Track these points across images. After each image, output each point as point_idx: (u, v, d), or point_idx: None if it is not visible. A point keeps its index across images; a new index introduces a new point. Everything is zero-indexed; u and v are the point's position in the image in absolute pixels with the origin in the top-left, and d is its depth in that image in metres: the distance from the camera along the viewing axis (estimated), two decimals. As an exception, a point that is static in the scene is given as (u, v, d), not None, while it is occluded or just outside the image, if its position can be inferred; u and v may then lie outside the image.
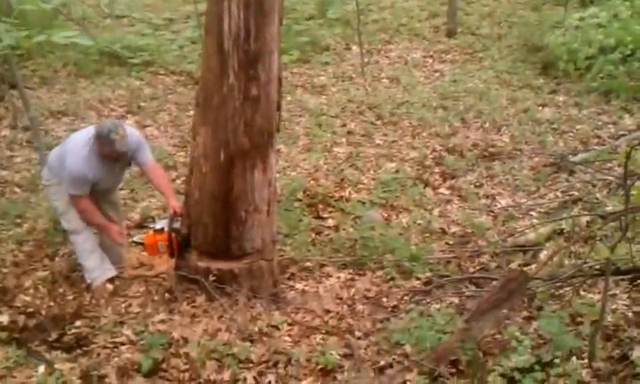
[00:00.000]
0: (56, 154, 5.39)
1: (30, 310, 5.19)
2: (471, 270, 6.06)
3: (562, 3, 13.64)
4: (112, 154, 5.08)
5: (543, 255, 5.95)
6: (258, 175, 5.05)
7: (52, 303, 5.30)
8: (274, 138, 5.16)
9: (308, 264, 6.03)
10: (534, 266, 5.68)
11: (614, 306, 5.05)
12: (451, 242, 6.60)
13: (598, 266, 5.18)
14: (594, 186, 7.44)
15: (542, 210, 7.13)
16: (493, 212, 7.22)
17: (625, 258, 5.17)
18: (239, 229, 5.12)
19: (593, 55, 10.76)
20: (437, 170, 8.29)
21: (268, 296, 5.27)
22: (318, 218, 6.99)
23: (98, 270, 5.51)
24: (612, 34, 10.83)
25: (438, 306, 5.24)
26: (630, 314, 4.99)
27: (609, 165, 7.86)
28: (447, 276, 5.83)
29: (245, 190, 5.04)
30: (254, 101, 4.82)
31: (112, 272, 5.58)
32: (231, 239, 5.15)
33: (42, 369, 4.36)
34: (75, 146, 5.15)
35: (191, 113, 9.41)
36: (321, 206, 7.16)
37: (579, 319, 4.90)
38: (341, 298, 5.50)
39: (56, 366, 4.38)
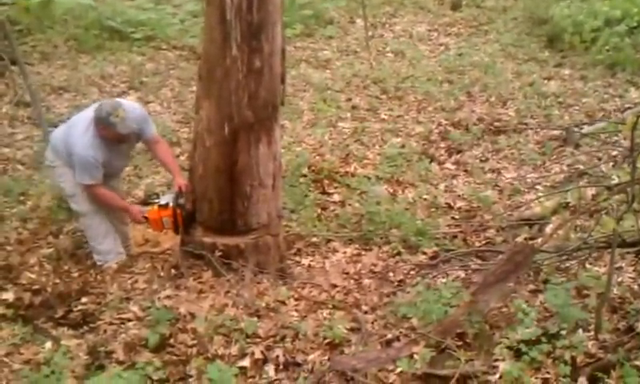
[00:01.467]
0: (59, 136, 5.27)
1: (36, 287, 5.19)
2: (477, 244, 6.06)
3: (568, -26, 13.60)
4: (116, 137, 5.01)
5: (549, 229, 5.94)
6: (262, 149, 5.03)
7: (57, 280, 5.30)
8: (279, 111, 5.14)
9: (314, 239, 6.03)
10: (539, 240, 5.67)
11: (620, 279, 5.06)
12: (457, 217, 6.61)
13: (603, 239, 5.18)
14: (599, 159, 7.44)
15: (548, 184, 7.13)
16: (498, 186, 7.23)
17: (631, 231, 5.17)
18: (244, 204, 5.12)
19: (598, 27, 10.76)
20: (442, 144, 8.30)
21: (274, 271, 5.27)
22: (324, 193, 6.99)
23: (111, 253, 5.49)
24: (618, 5, 10.81)
25: (444, 280, 5.25)
26: (635, 287, 4.99)
27: (614, 138, 7.85)
28: (453, 250, 5.84)
29: (249, 164, 5.02)
30: (257, 73, 4.79)
31: (124, 256, 5.57)
32: (236, 214, 5.15)
33: (48, 345, 4.37)
34: (79, 132, 5.03)
35: (194, 88, 9.40)
36: (326, 182, 7.16)
37: (585, 292, 4.90)
38: (347, 273, 5.51)
39: (62, 342, 4.38)
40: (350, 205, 6.72)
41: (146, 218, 5.38)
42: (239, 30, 4.67)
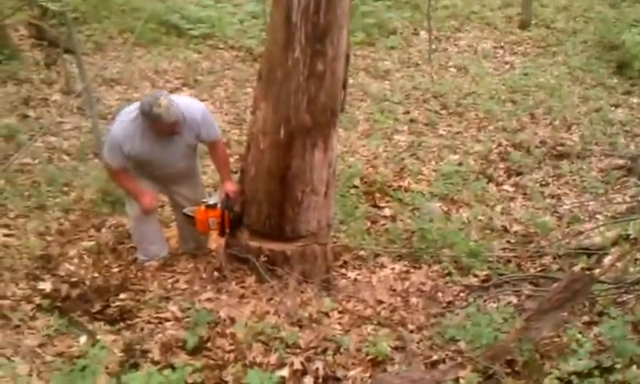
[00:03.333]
0: None
1: (74, 279, 5.24)
2: (532, 270, 5.96)
3: (644, 0, 13.41)
4: (165, 128, 4.93)
5: (608, 260, 5.82)
6: (318, 155, 5.00)
7: (96, 274, 5.35)
8: (338, 117, 5.11)
9: (362, 253, 6.00)
10: (597, 270, 5.56)
11: (679, 316, 4.94)
12: (512, 241, 6.51)
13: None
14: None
15: (609, 214, 6.98)
16: (558, 212, 7.11)
17: None
18: (294, 209, 5.10)
19: (675, 57, 10.52)
20: (501, 165, 8.20)
21: (319, 281, 5.23)
22: (375, 206, 6.96)
23: (156, 257, 5.52)
24: (694, 33, 10.57)
25: (495, 305, 5.17)
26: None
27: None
28: (506, 275, 5.74)
29: (303, 169, 5.01)
30: (319, 77, 4.77)
31: (165, 254, 5.59)
32: (285, 220, 5.13)
33: (83, 339, 4.39)
34: (122, 118, 5.03)
35: (248, 90, 9.52)
36: (378, 195, 7.13)
37: (642, 328, 4.80)
38: (394, 290, 5.46)
39: (98, 337, 4.40)
40: (401, 220, 6.68)
41: (192, 217, 5.39)
42: (304, 32, 4.66)
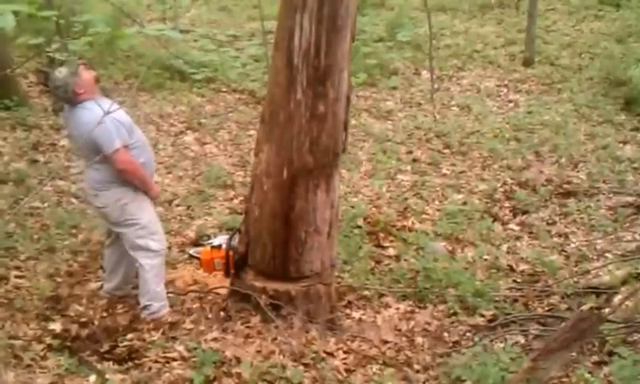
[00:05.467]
0: None
1: (83, 319, 5.42)
2: (539, 310, 6.09)
3: (649, 36, 13.66)
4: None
5: (617, 299, 5.95)
6: (320, 195, 5.18)
7: (105, 314, 5.53)
8: (339, 158, 5.31)
9: (366, 293, 6.14)
10: (607, 310, 5.68)
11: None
12: (519, 280, 6.64)
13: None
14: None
15: (619, 252, 7.12)
16: (565, 251, 7.24)
17: None
18: (298, 250, 5.26)
19: (681, 92, 10.70)
20: (507, 204, 8.36)
21: (324, 321, 5.38)
22: (379, 246, 7.11)
23: (165, 299, 5.57)
24: (703, 69, 10.77)
25: (502, 345, 5.31)
26: None
27: None
28: (513, 314, 5.88)
29: (306, 209, 5.18)
30: (320, 118, 4.98)
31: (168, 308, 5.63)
32: (290, 260, 5.29)
33: (92, 378, 4.56)
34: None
35: (252, 132, 9.75)
36: (382, 235, 7.29)
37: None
38: (399, 330, 5.60)
39: (107, 376, 4.57)
40: (405, 260, 6.82)
41: (198, 258, 5.57)
42: (305, 75, 4.87)
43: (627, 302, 5.89)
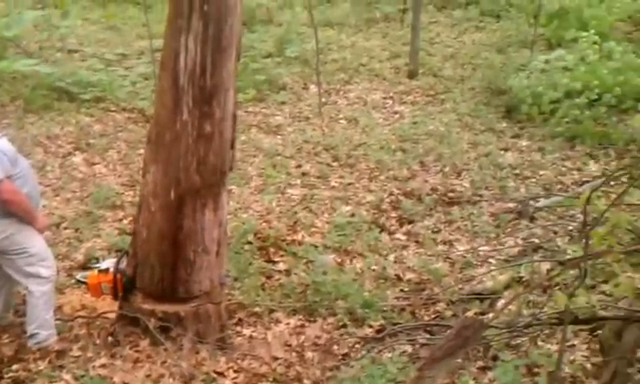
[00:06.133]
0: None
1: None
2: (426, 318, 6.24)
3: (528, 45, 14.11)
4: None
5: (500, 303, 6.14)
6: (208, 215, 5.20)
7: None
8: (227, 176, 5.33)
9: (257, 309, 6.17)
10: (490, 315, 5.86)
11: (572, 357, 5.26)
12: (406, 289, 6.78)
13: (556, 316, 5.38)
14: (555, 233, 7.68)
15: (501, 257, 7.35)
16: (450, 258, 7.43)
17: (584, 307, 5.39)
18: (187, 270, 5.25)
19: (558, 99, 11.01)
20: (393, 214, 8.50)
21: (214, 341, 5.38)
22: (269, 261, 7.14)
23: (53, 327, 5.42)
24: (578, 77, 11.12)
25: (390, 355, 5.40)
26: (588, 365, 5.19)
27: (571, 212, 8.06)
28: (401, 324, 5.99)
29: (194, 229, 5.19)
30: (207, 138, 5.00)
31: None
32: (178, 281, 5.27)
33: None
34: None
35: (141, 151, 9.52)
36: (272, 250, 7.32)
37: (536, 370, 5.10)
38: (290, 345, 5.65)
39: (-8, 409, 4.45)
40: (295, 274, 6.87)
41: (84, 283, 5.46)
42: (191, 95, 4.90)
43: (510, 307, 6.10)
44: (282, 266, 7.07)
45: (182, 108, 4.92)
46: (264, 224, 7.86)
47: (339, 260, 7.25)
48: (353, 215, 8.30)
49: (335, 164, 10.04)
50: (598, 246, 4.03)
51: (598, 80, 10.96)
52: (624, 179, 4.32)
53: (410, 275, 7.05)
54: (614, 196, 4.24)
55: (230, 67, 5.02)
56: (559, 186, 9.16)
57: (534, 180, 9.40)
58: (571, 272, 5.68)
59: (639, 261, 5.01)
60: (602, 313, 5.54)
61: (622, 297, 5.21)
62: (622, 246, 5.29)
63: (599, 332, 5.43)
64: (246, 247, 7.23)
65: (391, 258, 7.41)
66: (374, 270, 7.06)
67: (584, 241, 4.02)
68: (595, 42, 11.69)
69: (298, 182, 9.36)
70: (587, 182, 8.99)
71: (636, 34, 14.41)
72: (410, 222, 8.26)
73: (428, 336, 5.81)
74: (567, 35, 13.28)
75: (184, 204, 5.10)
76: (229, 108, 5.12)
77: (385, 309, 6.25)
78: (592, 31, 12.04)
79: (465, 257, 7.40)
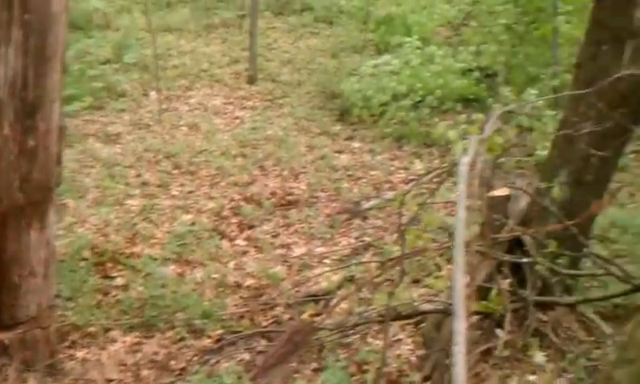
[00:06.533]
0: None
1: None
2: (264, 323, 6.13)
3: (359, 51, 14.33)
4: None
5: (332, 304, 6.13)
6: (34, 235, 4.85)
7: None
8: (54, 193, 5.00)
9: (91, 329, 5.84)
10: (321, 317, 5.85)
11: (398, 352, 5.31)
12: (245, 296, 6.65)
13: (382, 313, 5.41)
14: (385, 230, 7.78)
15: (336, 258, 7.36)
16: (288, 261, 7.35)
17: (408, 302, 5.46)
18: (12, 295, 4.88)
19: (386, 102, 11.27)
20: (234, 220, 8.34)
21: (43, 367, 5.04)
22: (106, 277, 6.79)
23: None
24: (404, 80, 11.40)
25: (228, 365, 5.26)
26: (413, 358, 5.26)
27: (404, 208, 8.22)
28: (239, 332, 5.86)
29: (19, 251, 4.83)
30: (31, 153, 4.65)
31: None
32: (3, 307, 4.89)
33: None
34: None
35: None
36: (109, 265, 6.97)
37: (366, 367, 5.10)
38: (125, 365, 5.38)
39: None
40: (133, 289, 6.57)
41: None
42: (12, 109, 4.54)
43: (343, 306, 6.11)
44: (119, 281, 6.74)
45: (2, 123, 4.55)
46: (101, 238, 7.48)
47: (179, 271, 7.02)
48: (193, 224, 8.07)
49: (176, 172, 9.75)
50: (414, 244, 4.06)
51: (421, 83, 11.30)
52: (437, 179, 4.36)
53: (249, 281, 6.91)
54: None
55: (56, 78, 4.70)
56: (388, 185, 9.30)
57: (365, 180, 9.51)
58: (397, 268, 5.73)
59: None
60: (426, 306, 5.65)
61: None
62: (437, 242, 5.43)
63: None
64: (82, 264, 6.83)
65: (231, 265, 7.24)
66: (214, 279, 6.87)
67: (401, 240, 4.02)
68: (418, 47, 12.02)
69: (138, 192, 8.99)
70: (413, 180, 9.17)
71: (455, 38, 14.93)
72: (250, 227, 8.13)
73: (266, 342, 5.70)
74: (393, 41, 13.54)
75: (7, 225, 4.73)
76: (54, 121, 4.79)
77: (224, 317, 6.09)
78: (415, 37, 12.40)
79: (302, 259, 7.35)
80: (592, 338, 5.21)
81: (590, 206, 4.99)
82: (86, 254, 7.03)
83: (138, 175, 9.54)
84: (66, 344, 5.59)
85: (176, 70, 14.54)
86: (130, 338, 5.76)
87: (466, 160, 2.62)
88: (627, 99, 5.04)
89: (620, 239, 6.89)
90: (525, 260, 5.30)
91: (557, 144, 5.64)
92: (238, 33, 17.07)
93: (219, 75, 14.41)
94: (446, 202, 7.33)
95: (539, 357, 5.02)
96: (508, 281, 5.35)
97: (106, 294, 6.50)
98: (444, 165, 3.29)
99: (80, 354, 5.50)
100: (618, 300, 5.06)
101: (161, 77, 12.43)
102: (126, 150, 10.47)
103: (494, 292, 4.74)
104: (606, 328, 5.13)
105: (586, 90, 4.77)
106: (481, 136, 3.03)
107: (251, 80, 13.95)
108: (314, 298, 6.40)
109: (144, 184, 9.27)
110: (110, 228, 7.78)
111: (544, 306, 5.35)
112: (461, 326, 1.85)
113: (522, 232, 5.32)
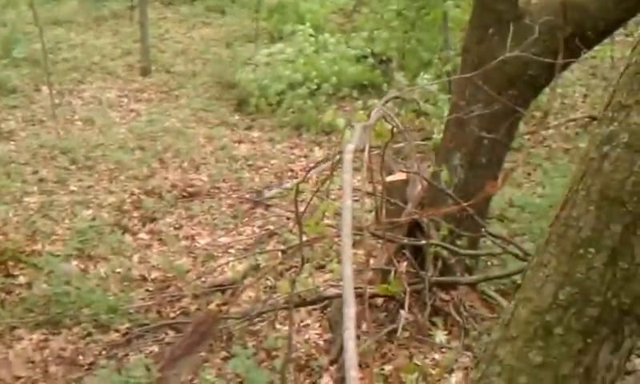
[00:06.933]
0: None
1: None
2: (172, 315, 6.17)
3: (253, 39, 14.37)
4: None
5: (237, 293, 6.24)
6: None
7: None
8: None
9: (-3, 329, 5.76)
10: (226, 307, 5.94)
11: (306, 336, 5.46)
12: (151, 289, 6.66)
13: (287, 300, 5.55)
14: (288, 218, 7.90)
15: (241, 247, 7.46)
16: (193, 253, 7.39)
17: (312, 288, 5.62)
18: None
19: (283, 91, 11.40)
20: (136, 214, 8.29)
21: (-50, 369, 4.97)
22: (8, 276, 6.65)
23: None
24: (299, 69, 11.56)
25: (137, 357, 5.28)
26: (321, 343, 5.42)
27: (302, 197, 8.35)
28: (147, 325, 5.88)
29: None
30: None
31: None
32: None
33: None
34: None
35: None
36: (11, 263, 6.81)
37: (274, 353, 5.24)
38: (33, 362, 5.33)
39: None
40: (37, 286, 6.47)
41: None
42: None
43: (250, 294, 6.22)
44: (22, 280, 6.62)
45: None
46: (0, 237, 7.31)
47: (82, 266, 6.95)
48: (94, 219, 7.98)
49: (73, 167, 9.57)
50: (313, 231, 4.16)
51: (317, 71, 11.47)
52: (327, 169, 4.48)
53: (155, 274, 6.93)
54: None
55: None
56: (289, 173, 9.46)
57: (266, 169, 9.63)
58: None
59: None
60: (330, 291, 5.82)
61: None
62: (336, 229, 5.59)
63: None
64: (-18, 265, 6.71)
65: (135, 258, 7.22)
66: (118, 273, 6.85)
67: (299, 229, 4.11)
68: (311, 35, 12.18)
69: (35, 189, 8.79)
70: (313, 167, 9.29)
71: (347, 25, 15.17)
72: (153, 221, 8.11)
73: (174, 333, 5.75)
74: (286, 29, 13.62)
75: None
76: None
77: (131, 311, 6.09)
78: (308, 24, 12.54)
79: (206, 250, 7.41)
80: (494, 315, 5.48)
81: (485, 186, 5.21)
82: (-14, 254, 6.88)
83: (35, 172, 9.31)
84: (-29, 346, 5.51)
85: (67, 63, 14.20)
86: (36, 336, 5.70)
87: (350, 148, 2.64)
88: (514, 81, 5.31)
89: (517, 218, 7.26)
90: (423, 242, 5.52)
91: (448, 128, 5.87)
92: (128, 24, 16.79)
93: (112, 68, 14.15)
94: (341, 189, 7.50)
95: (440, 335, 5.26)
96: (405, 263, 5.59)
97: (8, 292, 6.38)
98: (337, 153, 3.37)
99: (-14, 354, 5.43)
100: (517, 277, 5.32)
101: (52, 71, 12.14)
102: (21, 146, 10.19)
103: (392, 275, 4.94)
104: (507, 305, 5.40)
105: (474, 74, 4.97)
106: (365, 123, 3.12)
107: (145, 72, 13.76)
108: (221, 287, 6.46)
109: (41, 181, 9.07)
110: (9, 226, 7.61)
111: (446, 286, 5.59)
112: (351, 311, 1.88)
113: (419, 215, 5.53)
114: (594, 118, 9.52)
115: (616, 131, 2.36)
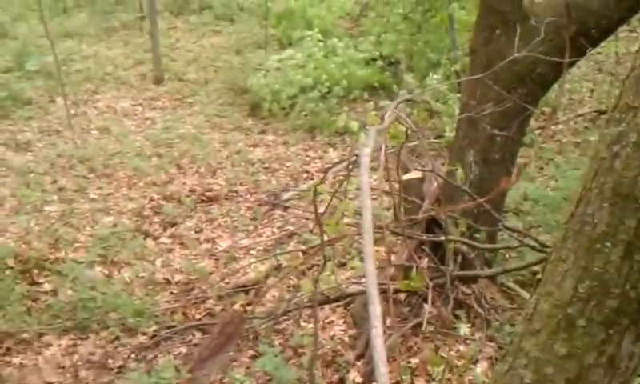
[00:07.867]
0: None
1: None
2: (197, 316, 6.14)
3: (262, 46, 14.37)
4: None
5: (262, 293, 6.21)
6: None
7: None
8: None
9: (25, 335, 5.71)
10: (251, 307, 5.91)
11: (332, 333, 5.42)
12: (175, 291, 6.63)
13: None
14: (307, 219, 7.87)
15: (261, 248, 7.42)
16: (214, 255, 7.37)
17: (335, 286, 5.58)
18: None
19: (295, 95, 11.42)
20: (156, 219, 8.27)
21: (-20, 377, 4.94)
22: (33, 283, 6.62)
23: None
24: (309, 73, 11.57)
25: (166, 359, 5.24)
26: (346, 339, 5.38)
27: (320, 198, 8.32)
28: (174, 326, 5.84)
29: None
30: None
31: None
32: None
33: None
34: None
35: None
36: (35, 271, 6.78)
37: (301, 351, 5.20)
38: (63, 367, 5.29)
39: None
40: (62, 293, 6.44)
41: None
42: None
43: (274, 293, 6.18)
44: (47, 287, 6.58)
45: None
46: (24, 246, 7.27)
47: (106, 272, 6.92)
48: (115, 225, 7.95)
49: (92, 175, 9.56)
50: (333, 231, 4.12)
51: (327, 74, 11.47)
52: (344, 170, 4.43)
53: (178, 277, 6.90)
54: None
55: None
56: (305, 175, 9.43)
57: (282, 172, 9.61)
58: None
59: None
60: (353, 288, 5.78)
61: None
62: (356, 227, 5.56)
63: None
64: (8, 272, 6.64)
65: (158, 262, 7.20)
66: (142, 277, 6.82)
67: (319, 229, 4.06)
68: (320, 40, 12.18)
69: (55, 197, 8.77)
70: (329, 168, 9.25)
71: (355, 29, 15.16)
72: (173, 225, 8.09)
73: (201, 334, 5.71)
74: (295, 35, 13.65)
75: None
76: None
77: (157, 314, 6.06)
78: (316, 30, 12.55)
79: (228, 252, 7.37)
80: (514, 306, 5.45)
81: (500, 182, 5.19)
82: (10, 262, 6.82)
83: (54, 181, 9.30)
84: (2, 352, 5.46)
85: (80, 74, 14.22)
86: (64, 341, 5.66)
87: (366, 151, 2.69)
88: (524, 80, 5.29)
89: (532, 211, 7.22)
90: (441, 238, 5.49)
91: (461, 126, 5.84)
92: (139, 35, 16.85)
93: (125, 77, 14.17)
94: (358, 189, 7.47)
95: (463, 328, 5.24)
96: (426, 259, 5.55)
97: (35, 300, 6.35)
98: (352, 155, 3.37)
99: (16, 360, 5.38)
100: (535, 268, 5.27)
101: (66, 82, 12.13)
102: (38, 156, 10.19)
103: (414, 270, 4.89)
104: (526, 295, 5.36)
105: (485, 74, 4.95)
106: (380, 126, 3.13)
107: (158, 80, 13.77)
108: (244, 288, 6.43)
109: (60, 189, 9.05)
110: (32, 235, 7.58)
111: (467, 280, 5.56)
112: (376, 310, 1.89)
113: (437, 211, 5.49)
114: (601, 112, 9.57)
115: (625, 131, 2.39)
